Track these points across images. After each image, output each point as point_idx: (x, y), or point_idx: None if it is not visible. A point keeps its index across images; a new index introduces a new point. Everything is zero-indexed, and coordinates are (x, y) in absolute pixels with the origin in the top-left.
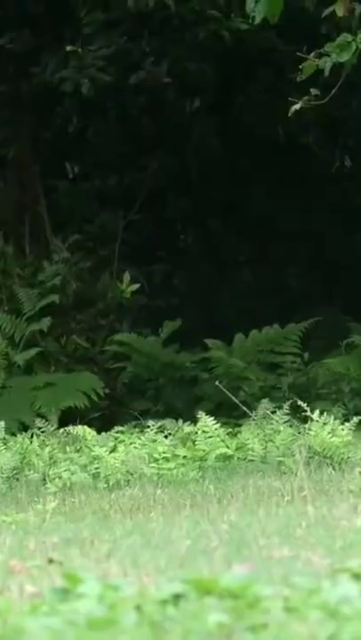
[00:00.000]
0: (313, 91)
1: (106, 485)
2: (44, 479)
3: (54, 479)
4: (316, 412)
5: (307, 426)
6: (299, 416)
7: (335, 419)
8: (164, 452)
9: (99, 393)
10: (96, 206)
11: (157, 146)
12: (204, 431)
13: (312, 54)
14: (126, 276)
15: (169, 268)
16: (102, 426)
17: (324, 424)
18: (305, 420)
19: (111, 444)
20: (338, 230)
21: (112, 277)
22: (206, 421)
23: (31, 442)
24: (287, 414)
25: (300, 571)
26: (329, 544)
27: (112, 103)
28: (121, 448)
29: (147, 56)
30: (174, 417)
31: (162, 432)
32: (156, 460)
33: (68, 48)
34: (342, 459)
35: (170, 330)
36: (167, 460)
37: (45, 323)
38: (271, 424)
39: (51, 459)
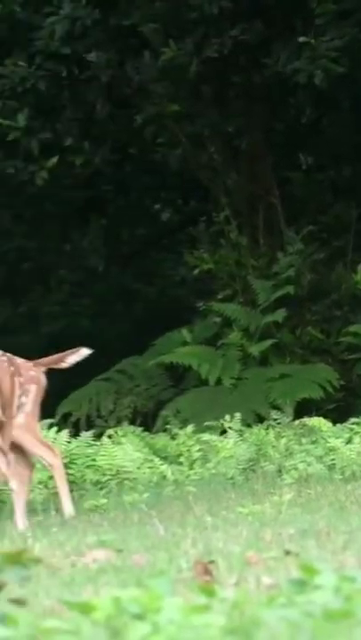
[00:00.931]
0: None
1: (341, 477)
2: (280, 470)
3: (290, 470)
4: None
5: None
6: None
7: None
8: None
9: (334, 384)
10: (330, 197)
11: None
12: None
13: None
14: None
15: None
16: (338, 417)
17: None
18: None
19: (347, 435)
20: None
21: (346, 268)
22: None
23: (267, 433)
24: None
25: None
26: None
27: (346, 94)
28: (357, 439)
29: None
30: None
31: None
32: None
33: (301, 39)
34: None
35: None
36: None
37: (280, 314)
38: None
39: (286, 450)
